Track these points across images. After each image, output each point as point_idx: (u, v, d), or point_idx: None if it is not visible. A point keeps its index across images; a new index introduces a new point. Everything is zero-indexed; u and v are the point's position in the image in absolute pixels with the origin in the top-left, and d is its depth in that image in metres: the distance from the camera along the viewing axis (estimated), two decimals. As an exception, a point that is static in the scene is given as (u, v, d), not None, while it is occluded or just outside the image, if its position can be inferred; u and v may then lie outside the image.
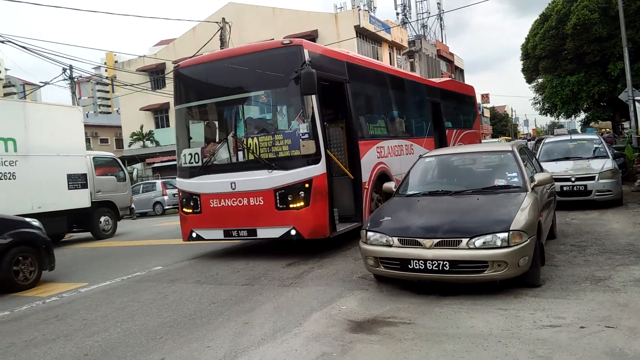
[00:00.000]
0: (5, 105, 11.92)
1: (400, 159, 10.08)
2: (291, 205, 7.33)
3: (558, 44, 28.64)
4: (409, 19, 54.63)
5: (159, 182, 25.13)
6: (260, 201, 7.53)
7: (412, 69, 42.96)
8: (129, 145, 43.19)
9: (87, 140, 44.82)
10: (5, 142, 10.90)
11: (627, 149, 15.32)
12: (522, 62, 33.51)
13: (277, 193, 7.40)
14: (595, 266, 5.81)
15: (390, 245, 5.21)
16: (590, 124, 37.13)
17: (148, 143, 41.68)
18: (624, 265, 5.73)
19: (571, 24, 26.72)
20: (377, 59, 34.76)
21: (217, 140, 8.42)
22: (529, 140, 42.19)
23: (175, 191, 14.82)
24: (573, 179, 10.47)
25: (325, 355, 3.87)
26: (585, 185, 10.34)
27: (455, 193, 6.04)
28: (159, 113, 41.31)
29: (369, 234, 5.44)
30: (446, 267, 4.86)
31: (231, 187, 7.73)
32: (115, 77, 44.34)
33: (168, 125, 38.86)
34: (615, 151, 14.18)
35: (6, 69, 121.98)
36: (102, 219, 14.12)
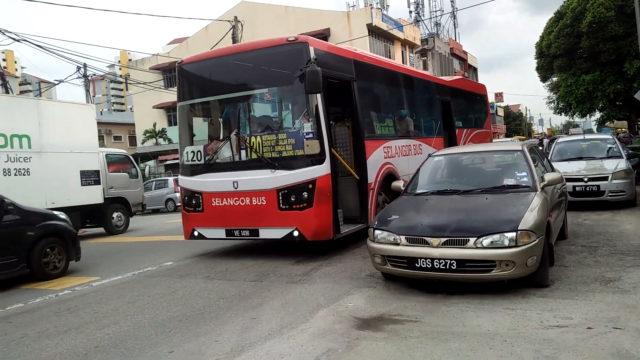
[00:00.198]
0: (20, 103, 12.11)
1: (408, 159, 9.95)
2: (294, 206, 7.21)
3: (573, 42, 28.32)
4: (422, 16, 54.43)
5: (171, 179, 25.34)
6: (262, 201, 7.42)
7: (425, 67, 42.76)
8: (142, 143, 43.59)
9: (101, 138, 45.36)
10: (20, 139, 11.08)
11: (642, 149, 15.14)
12: (536, 60, 33.17)
13: (280, 193, 7.28)
14: (605, 267, 5.77)
15: (398, 244, 5.23)
16: (606, 124, 36.67)
17: (161, 140, 42.04)
18: (635, 267, 5.68)
19: (586, 22, 26.40)
20: (390, 58, 34.65)
21: (220, 138, 8.32)
22: (542, 139, 41.81)
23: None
24: (586, 179, 10.37)
25: (331, 351, 3.91)
26: (598, 186, 10.24)
27: (463, 192, 6.03)
28: (172, 111, 41.58)
29: (377, 232, 5.46)
30: (453, 266, 4.87)
31: (234, 186, 7.62)
32: (129, 76, 44.74)
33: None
34: (630, 151, 14.00)
35: (22, 67, 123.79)
36: (115, 215, 14.30)
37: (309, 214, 7.14)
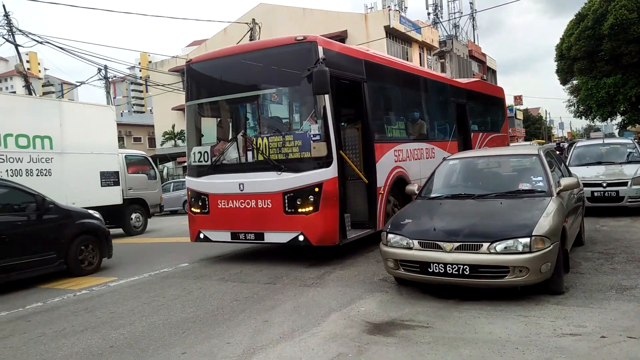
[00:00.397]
0: (42, 105, 12.36)
1: (419, 163, 9.73)
2: (300, 210, 7.06)
3: (594, 44, 27.92)
4: (440, 18, 54.12)
5: (188, 180, 25.51)
6: (268, 204, 7.30)
7: (443, 69, 42.51)
8: (161, 144, 44.14)
9: (121, 139, 46.04)
10: (42, 140, 11.32)
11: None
12: (556, 63, 32.75)
13: (286, 196, 7.14)
14: (622, 275, 5.68)
15: (411, 248, 5.22)
16: (627, 128, 36.03)
17: (179, 142, 42.50)
18: (653, 274, 5.59)
19: (608, 24, 26.01)
20: (407, 60, 34.54)
21: (227, 138, 8.20)
22: (559, 143, 41.17)
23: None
24: (604, 185, 10.22)
25: (341, 355, 3.92)
26: (617, 191, 10.08)
27: (478, 196, 6.00)
28: (191, 112, 41.95)
29: (390, 236, 5.46)
30: (466, 272, 4.85)
31: (239, 188, 7.51)
32: (149, 77, 45.34)
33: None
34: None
35: (46, 69, 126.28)
36: (133, 215, 14.49)
37: (314, 218, 7.00)
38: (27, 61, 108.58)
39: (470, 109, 12.88)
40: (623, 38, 26.07)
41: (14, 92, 76.14)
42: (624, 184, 10.09)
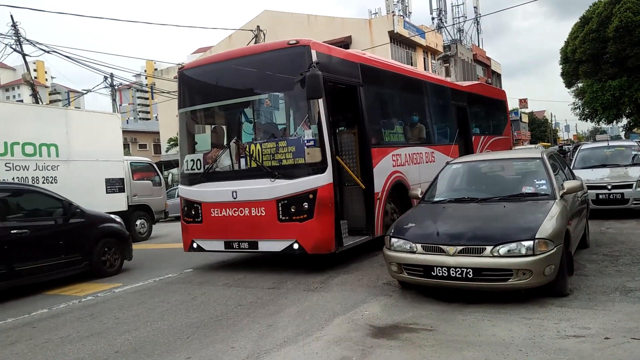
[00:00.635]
0: (49, 113, 12.46)
1: (419, 167, 9.58)
2: (294, 217, 6.89)
3: (599, 47, 27.87)
4: (444, 23, 54.19)
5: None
6: (262, 212, 7.14)
7: (447, 74, 42.54)
8: (167, 151, 44.28)
9: (127, 146, 46.29)
10: (48, 148, 11.40)
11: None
12: (561, 66, 32.70)
13: (280, 204, 6.98)
14: (626, 277, 5.66)
15: (414, 252, 5.23)
16: (634, 130, 35.87)
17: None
18: (658, 276, 5.56)
19: (613, 26, 25.97)
20: (412, 65, 34.61)
21: (219, 145, 8.05)
22: (561, 145, 41.00)
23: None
24: (609, 187, 10.19)
25: (345, 358, 3.93)
26: (622, 194, 10.04)
27: (481, 200, 6.01)
28: (196, 119, 42.14)
29: (393, 240, 5.47)
30: (470, 275, 4.85)
31: (232, 196, 7.37)
32: (155, 85, 45.61)
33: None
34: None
35: (52, 77, 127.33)
36: (138, 222, 14.57)
37: (309, 225, 6.82)
38: (34, 70, 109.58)
39: (471, 112, 12.77)
40: (628, 40, 26.00)
41: (21, 101, 76.86)
42: (629, 186, 10.06)
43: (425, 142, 10.20)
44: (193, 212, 7.91)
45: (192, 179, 7.99)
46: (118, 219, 9.18)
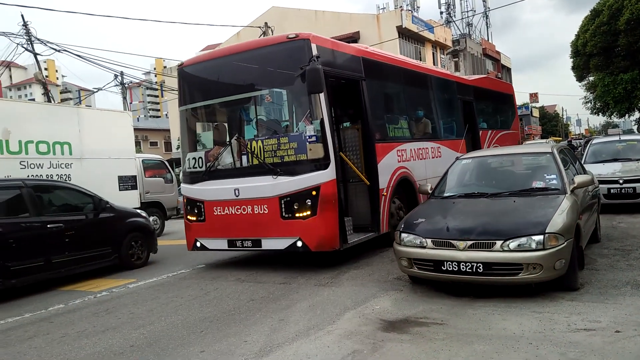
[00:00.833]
0: (61, 111, 12.61)
1: (425, 162, 9.47)
2: (297, 215, 6.81)
3: (610, 40, 27.59)
4: (453, 17, 53.86)
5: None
6: (264, 209, 7.06)
7: (457, 68, 42.33)
8: (177, 148, 44.47)
9: (138, 144, 46.55)
10: (61, 146, 11.55)
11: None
12: (571, 59, 32.42)
13: (282, 201, 6.90)
14: (638, 270, 5.65)
15: (424, 247, 5.26)
16: (646, 123, 35.51)
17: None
18: (670, 270, 5.55)
19: (624, 19, 25.68)
20: (420, 60, 34.49)
21: (220, 143, 7.97)
22: (570, 140, 40.68)
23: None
24: (621, 181, 10.12)
25: (356, 352, 3.99)
26: (634, 188, 9.97)
27: (491, 195, 6.01)
28: (205, 116, 42.29)
29: (403, 235, 5.51)
30: (480, 269, 4.88)
31: (235, 194, 7.29)
32: (164, 82, 45.83)
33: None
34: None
35: (63, 76, 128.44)
36: (151, 218, 14.65)
37: (312, 223, 6.75)
38: (45, 68, 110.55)
39: (477, 106, 12.62)
40: (639, 33, 25.70)
41: (33, 99, 77.49)
42: (641, 180, 9.99)
43: (431, 137, 10.09)
44: (196, 211, 7.86)
45: (194, 178, 7.93)
46: (144, 213, 9.65)
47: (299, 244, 6.88)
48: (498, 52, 57.34)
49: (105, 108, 16.99)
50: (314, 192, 6.72)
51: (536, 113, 73.93)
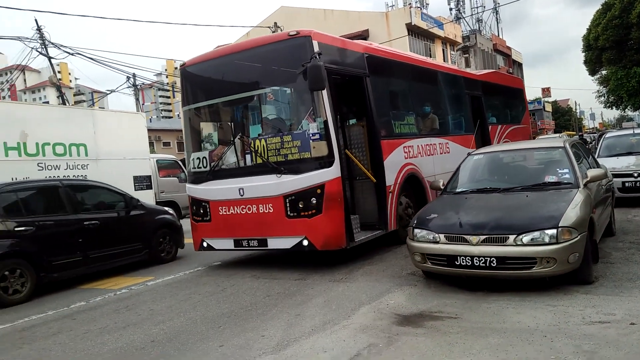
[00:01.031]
0: (76, 114, 12.81)
1: (433, 159, 9.38)
2: (302, 213, 6.75)
3: (622, 33, 27.31)
4: (462, 13, 53.57)
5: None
6: (269, 208, 7.02)
7: (467, 64, 42.12)
8: (188, 148, 44.82)
9: (151, 144, 46.93)
10: (77, 148, 11.74)
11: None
12: (584, 53, 32.13)
13: (287, 200, 6.85)
14: (653, 264, 5.66)
15: (437, 242, 5.32)
16: (661, 116, 35.10)
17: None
18: (685, 263, 5.55)
19: (636, 12, 25.43)
20: (430, 56, 34.38)
21: (224, 142, 7.94)
22: (581, 135, 40.28)
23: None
24: (636, 175, 10.06)
25: (372, 346, 4.06)
26: (649, 181, 9.91)
27: (504, 190, 6.05)
28: (217, 116, 42.52)
29: (416, 230, 5.57)
30: (493, 264, 4.92)
31: (239, 193, 7.26)
32: (175, 83, 46.16)
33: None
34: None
35: (76, 79, 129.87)
36: (166, 218, 14.87)
37: (318, 221, 6.68)
38: (59, 71, 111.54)
39: (486, 101, 12.49)
40: (653, 26, 25.44)
41: (47, 102, 78.58)
42: (656, 173, 9.92)
43: (438, 133, 9.98)
44: (201, 211, 7.86)
45: (199, 178, 7.93)
46: (171, 210, 10.01)
47: (305, 242, 6.84)
48: (509, 48, 56.89)
49: (119, 110, 17.18)
50: (318, 191, 6.68)
51: (549, 107, 73.27)
